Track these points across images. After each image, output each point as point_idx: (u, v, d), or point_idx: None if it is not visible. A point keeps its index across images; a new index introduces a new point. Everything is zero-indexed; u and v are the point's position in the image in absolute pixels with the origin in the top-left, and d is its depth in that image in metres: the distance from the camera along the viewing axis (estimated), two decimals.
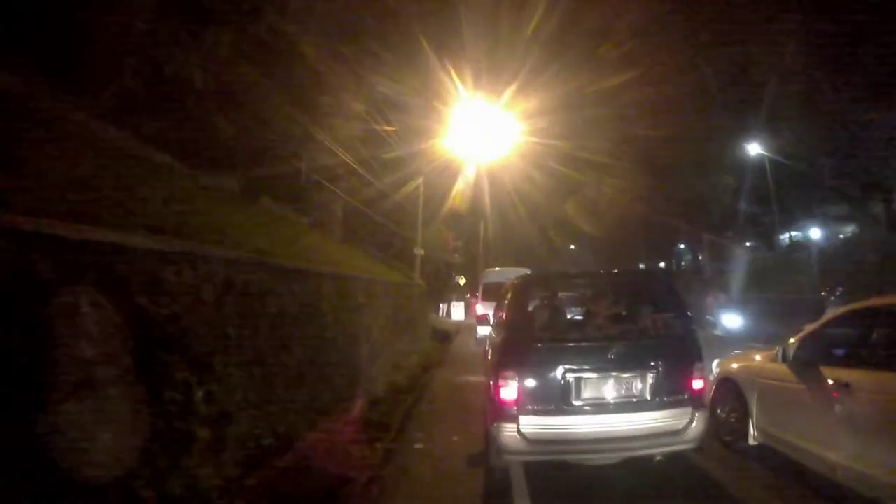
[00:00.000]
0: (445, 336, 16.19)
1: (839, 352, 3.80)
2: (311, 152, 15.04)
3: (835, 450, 3.48)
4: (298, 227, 12.39)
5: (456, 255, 21.56)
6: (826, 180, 23.48)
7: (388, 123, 16.35)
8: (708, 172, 27.69)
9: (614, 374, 3.97)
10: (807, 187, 25.42)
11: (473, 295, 25.18)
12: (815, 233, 31.20)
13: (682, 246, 45.21)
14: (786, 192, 25.61)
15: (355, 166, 15.35)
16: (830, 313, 4.41)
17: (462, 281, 49.32)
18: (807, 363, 3.91)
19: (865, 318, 3.69)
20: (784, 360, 4.15)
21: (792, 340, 4.18)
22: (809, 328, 4.23)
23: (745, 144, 26.05)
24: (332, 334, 6.09)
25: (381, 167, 15.93)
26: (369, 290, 8.77)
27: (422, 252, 15.86)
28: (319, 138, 14.84)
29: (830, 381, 3.53)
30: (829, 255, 22.33)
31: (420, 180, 15.85)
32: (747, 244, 41.87)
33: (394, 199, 17.41)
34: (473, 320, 15.32)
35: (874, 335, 3.53)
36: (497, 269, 16.87)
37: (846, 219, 28.95)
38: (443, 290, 25.95)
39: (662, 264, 54.47)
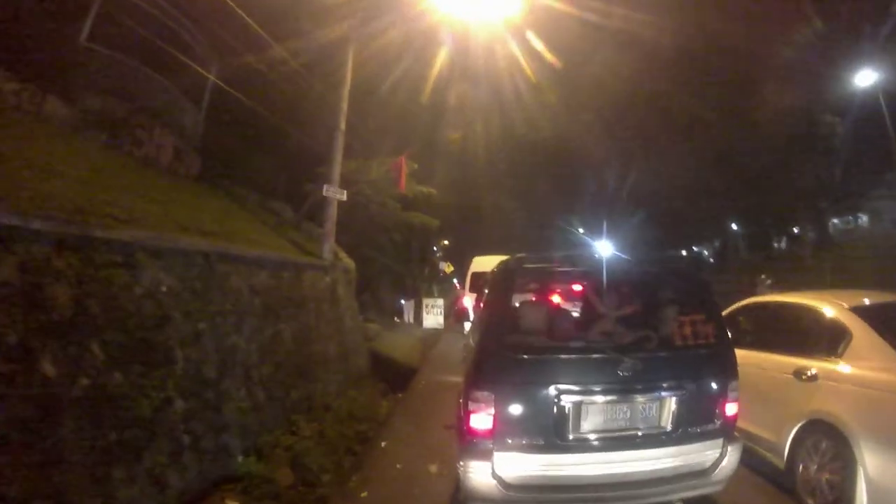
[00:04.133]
0: (396, 377, 9.10)
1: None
2: None
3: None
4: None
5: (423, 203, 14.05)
6: None
7: None
8: (795, 118, 21.12)
9: (627, 397, 3.49)
10: None
11: (461, 287, 18.47)
12: None
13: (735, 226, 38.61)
14: None
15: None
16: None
17: (448, 268, 42.60)
18: None
19: (745, 311, 5.69)
20: None
21: None
22: None
23: (852, 74, 19.74)
24: None
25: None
26: None
27: (341, 197, 8.64)
28: None
29: None
30: None
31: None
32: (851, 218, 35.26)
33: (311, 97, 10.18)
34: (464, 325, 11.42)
35: (750, 324, 5.54)
36: (491, 257, 12.19)
37: None
38: (404, 277, 18.49)
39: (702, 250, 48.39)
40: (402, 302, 18.55)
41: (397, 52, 11.03)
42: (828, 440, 3.98)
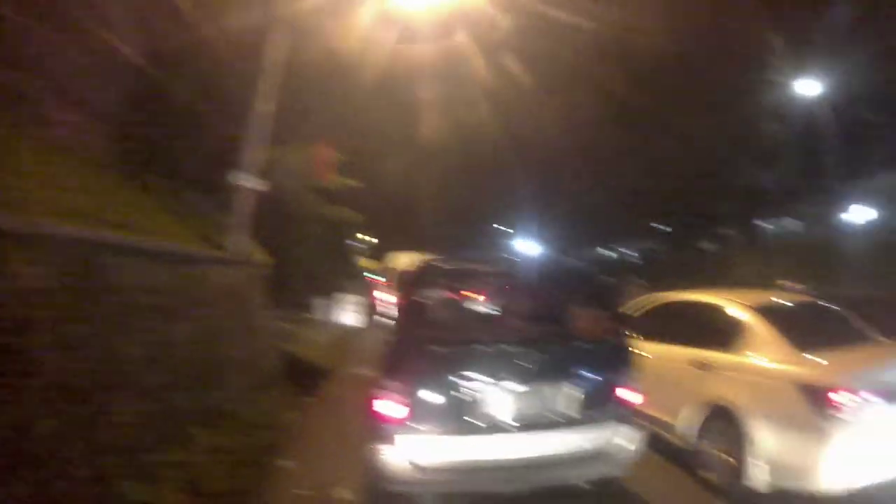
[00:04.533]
0: (309, 379, 8.60)
1: (642, 329, 5.68)
2: None
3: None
4: None
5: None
6: None
7: None
8: (735, 121, 21.98)
9: (530, 385, 3.78)
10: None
11: (379, 282, 18.17)
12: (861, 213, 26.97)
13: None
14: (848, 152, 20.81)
15: None
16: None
17: (370, 264, 41.89)
18: None
19: (653, 306, 6.17)
20: None
21: None
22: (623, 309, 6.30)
23: (796, 83, 20.91)
24: None
25: None
26: None
27: (257, 186, 8.05)
28: None
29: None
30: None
31: None
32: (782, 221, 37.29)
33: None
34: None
35: (658, 318, 5.92)
36: (411, 254, 12.23)
37: None
38: (323, 273, 17.84)
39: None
40: (320, 299, 17.84)
41: (336, 39, 10.44)
42: (725, 423, 4.48)
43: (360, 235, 37.78)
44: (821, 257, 19.45)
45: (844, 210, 25.75)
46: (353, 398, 7.73)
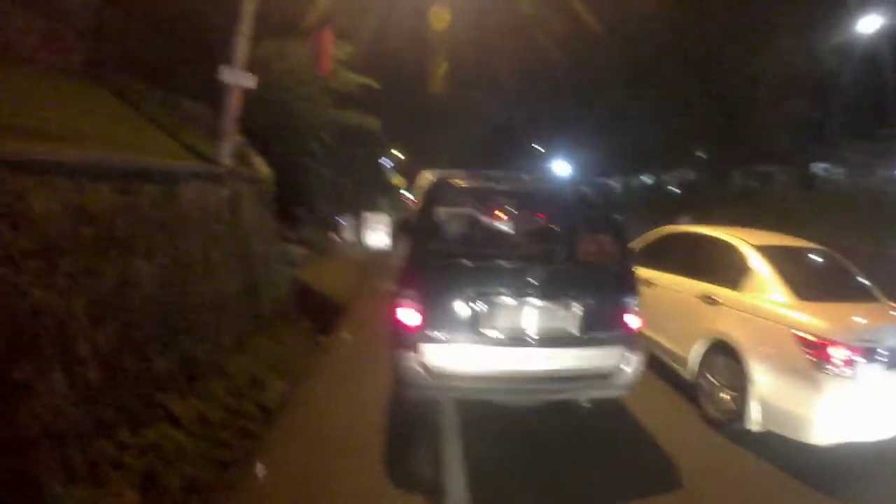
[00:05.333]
0: (324, 314, 7.51)
1: (650, 260, 6.06)
2: None
3: (651, 330, 5.31)
4: None
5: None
6: None
7: None
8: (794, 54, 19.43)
9: (535, 301, 3.89)
10: None
11: (412, 200, 16.86)
12: None
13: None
14: None
15: None
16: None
17: (398, 181, 40.72)
18: None
19: (664, 238, 6.40)
20: None
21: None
22: (634, 243, 6.40)
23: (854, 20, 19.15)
24: None
25: None
26: None
27: (247, 83, 6.59)
28: None
29: (642, 279, 5.38)
30: None
31: None
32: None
33: None
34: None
35: (668, 249, 6.12)
36: (438, 171, 9.76)
37: None
38: (345, 188, 16.50)
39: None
40: (346, 217, 16.60)
41: None
42: (728, 359, 4.63)
43: (393, 151, 36.25)
44: (871, 208, 17.15)
45: None
46: (373, 337, 6.52)
